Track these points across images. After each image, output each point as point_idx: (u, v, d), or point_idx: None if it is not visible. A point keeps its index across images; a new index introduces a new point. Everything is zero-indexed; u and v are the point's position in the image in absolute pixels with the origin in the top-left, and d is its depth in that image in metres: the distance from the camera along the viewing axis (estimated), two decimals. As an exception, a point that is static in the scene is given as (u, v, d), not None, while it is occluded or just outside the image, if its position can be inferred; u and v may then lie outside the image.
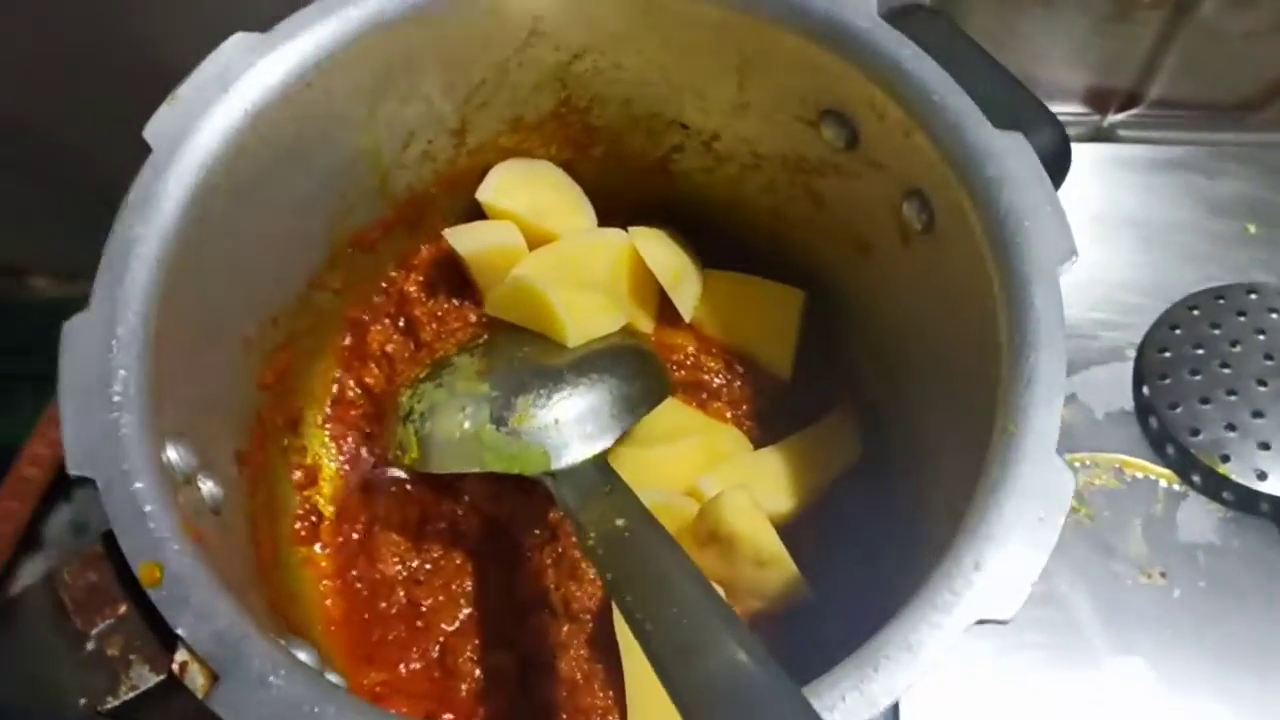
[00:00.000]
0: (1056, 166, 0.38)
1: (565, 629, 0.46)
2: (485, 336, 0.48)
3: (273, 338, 0.46)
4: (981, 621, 0.31)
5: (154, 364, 0.36)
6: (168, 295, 0.37)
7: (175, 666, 0.32)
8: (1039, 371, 0.33)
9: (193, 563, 0.33)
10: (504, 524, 0.49)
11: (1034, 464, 0.32)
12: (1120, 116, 0.64)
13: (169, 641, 0.33)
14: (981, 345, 0.37)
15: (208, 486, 0.39)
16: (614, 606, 0.44)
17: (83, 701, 0.33)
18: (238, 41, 0.39)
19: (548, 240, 0.50)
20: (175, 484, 0.35)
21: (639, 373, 0.47)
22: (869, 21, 0.39)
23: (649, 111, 0.48)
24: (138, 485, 0.33)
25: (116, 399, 0.34)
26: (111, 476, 0.33)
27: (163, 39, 0.59)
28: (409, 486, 0.50)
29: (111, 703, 0.33)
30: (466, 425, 0.44)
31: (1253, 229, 0.62)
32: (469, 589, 0.48)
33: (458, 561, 0.49)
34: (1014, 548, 0.31)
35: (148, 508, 0.33)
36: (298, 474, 0.50)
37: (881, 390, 0.48)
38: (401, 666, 0.47)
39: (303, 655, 0.33)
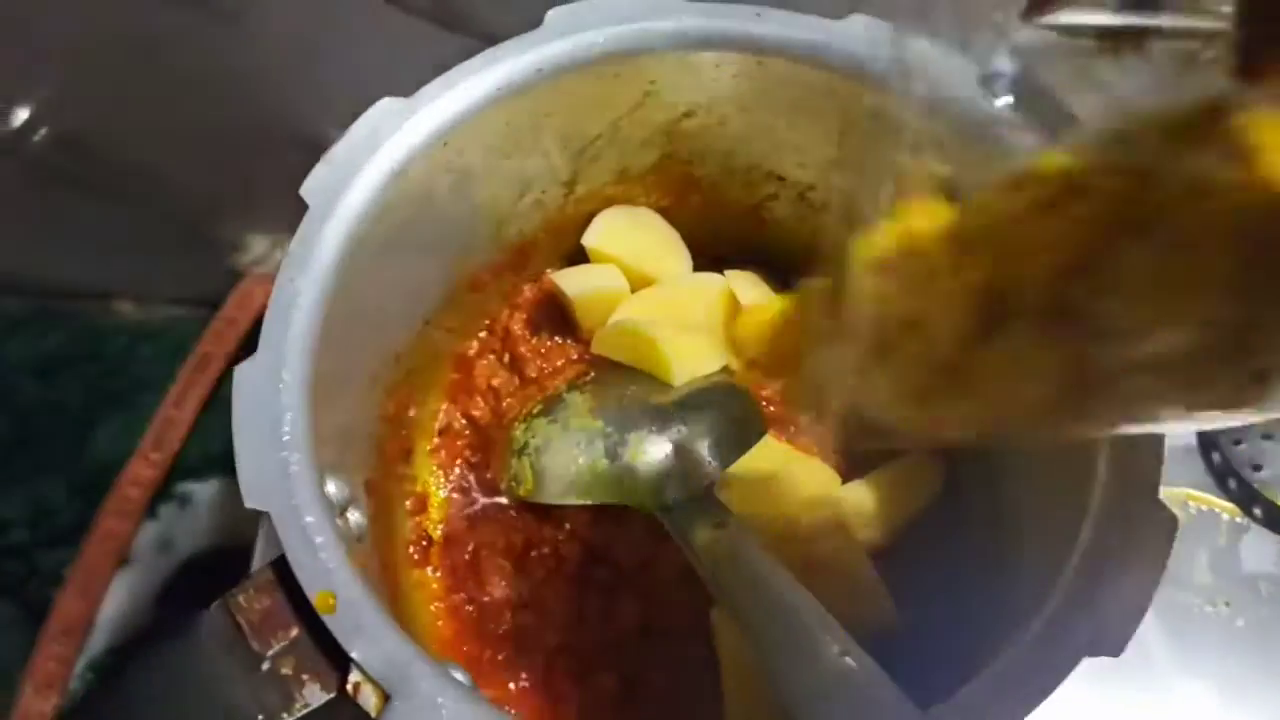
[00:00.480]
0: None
1: (663, 649, 0.48)
2: (592, 374, 0.51)
3: (394, 374, 0.49)
4: (1092, 657, 0.33)
5: (314, 403, 0.39)
6: (323, 340, 0.40)
7: (349, 687, 0.35)
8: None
9: (361, 590, 0.36)
10: (602, 550, 0.52)
11: (1139, 503, 0.35)
12: None
13: (337, 662, 0.36)
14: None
15: (355, 517, 0.42)
16: (713, 627, 0.47)
17: (260, 718, 0.36)
18: (385, 106, 0.43)
19: (647, 283, 0.53)
20: (334, 516, 0.38)
21: (739, 409, 0.50)
22: (973, 91, 0.42)
23: (748, 164, 0.51)
24: (308, 519, 0.36)
25: (286, 438, 0.37)
26: (284, 510, 0.36)
27: (264, 89, 0.62)
28: (513, 513, 0.53)
29: (286, 719, 0.36)
30: (581, 460, 0.47)
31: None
32: (570, 611, 0.51)
33: (559, 585, 0.51)
34: (1122, 585, 0.34)
35: (318, 539, 0.36)
36: (409, 501, 0.53)
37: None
38: (510, 685, 0.50)
39: (458, 676, 0.36)
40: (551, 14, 0.44)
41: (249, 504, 0.36)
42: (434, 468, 0.55)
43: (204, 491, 0.66)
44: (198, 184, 0.67)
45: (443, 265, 0.49)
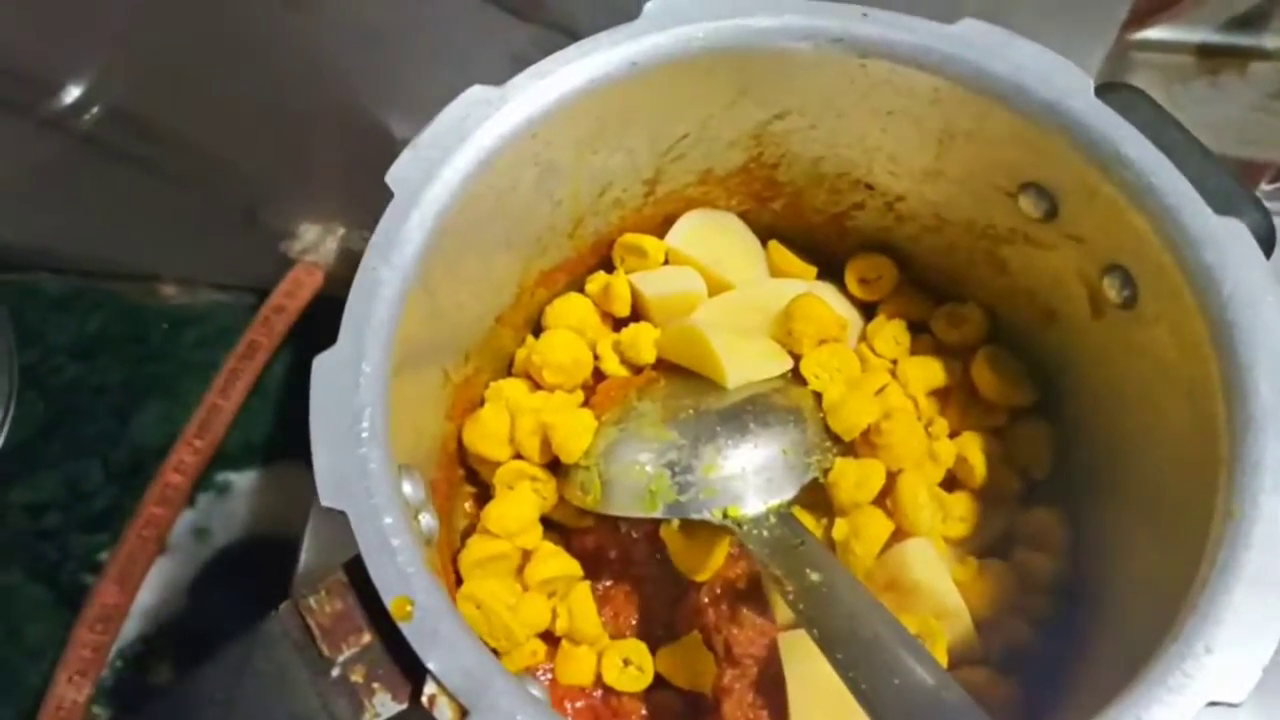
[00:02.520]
0: (1264, 250, 0.39)
1: (728, 674, 0.47)
2: (663, 382, 0.50)
3: (463, 371, 0.48)
4: (1212, 704, 0.32)
5: (392, 400, 0.37)
6: (403, 332, 0.38)
7: (425, 699, 0.33)
8: (1267, 457, 0.34)
9: (440, 597, 0.34)
10: (667, 559, 0.50)
11: (1262, 550, 0.33)
12: (1269, 187, 0.65)
13: (409, 671, 0.34)
14: (1188, 423, 0.38)
15: (426, 519, 0.40)
16: (782, 655, 0.45)
17: (329, 725, 0.34)
18: (475, 93, 0.41)
19: (725, 288, 0.51)
20: (411, 518, 0.37)
21: (814, 420, 0.48)
22: (1087, 102, 0.40)
23: (836, 171, 0.49)
24: (387, 520, 0.35)
25: (364, 434, 0.36)
26: (362, 510, 0.35)
27: (327, 72, 0.61)
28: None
29: (355, 728, 0.34)
30: (649, 469, 0.46)
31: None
32: (634, 623, 0.49)
33: (626, 592, 0.50)
34: (1243, 632, 0.32)
35: (395, 542, 0.35)
36: (468, 503, 0.51)
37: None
38: (566, 704, 0.48)
39: (534, 691, 0.35)
40: (650, 6, 0.43)
41: (325, 503, 0.35)
42: (497, 469, 0.53)
43: (243, 481, 0.66)
44: (252, 167, 0.65)
45: (519, 261, 0.47)
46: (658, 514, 0.45)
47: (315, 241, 0.70)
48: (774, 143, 0.48)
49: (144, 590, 0.61)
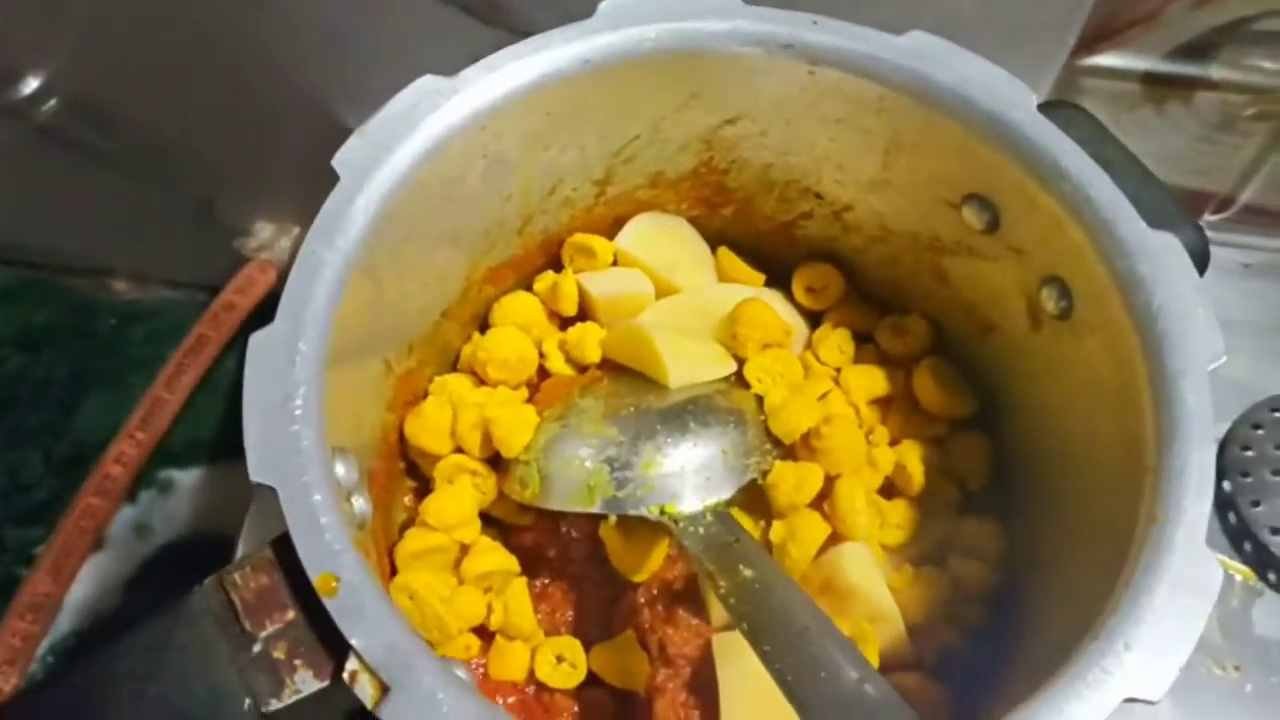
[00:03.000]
0: (1197, 266, 0.39)
1: (662, 673, 0.47)
2: (606, 381, 0.50)
3: (406, 363, 0.47)
4: (1130, 700, 0.32)
5: (328, 380, 0.37)
6: (342, 316, 0.38)
7: (346, 675, 0.33)
8: (1191, 463, 0.35)
9: (365, 575, 0.34)
10: (606, 558, 0.50)
11: (1184, 553, 0.34)
12: (1212, 218, 0.67)
13: (332, 650, 0.34)
14: (1119, 432, 0.38)
15: (359, 504, 0.40)
16: (715, 656, 0.45)
17: (248, 702, 0.34)
18: (426, 83, 0.41)
19: (673, 292, 0.51)
20: (341, 498, 0.36)
21: (754, 423, 0.48)
22: (1029, 115, 0.41)
23: (786, 179, 0.50)
24: (316, 497, 0.35)
25: (298, 412, 0.36)
26: (292, 487, 0.35)
27: (288, 70, 0.61)
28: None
29: (274, 705, 0.34)
30: (589, 465, 0.46)
31: (1335, 332, 0.64)
32: (570, 620, 0.49)
33: (563, 590, 0.50)
34: (1163, 632, 0.33)
35: (324, 519, 0.34)
36: (408, 497, 0.51)
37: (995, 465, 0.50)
38: (499, 699, 0.48)
39: (459, 673, 0.34)
40: (604, 5, 0.43)
41: (254, 478, 0.35)
42: (436, 464, 0.53)
43: (186, 479, 0.65)
44: (209, 163, 0.65)
45: (466, 255, 0.47)
46: (595, 509, 0.45)
47: (270, 240, 0.70)
48: (725, 148, 0.49)
49: (79, 584, 0.60)
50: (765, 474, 0.47)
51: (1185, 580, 0.33)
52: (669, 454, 0.46)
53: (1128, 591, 0.34)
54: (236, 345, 0.67)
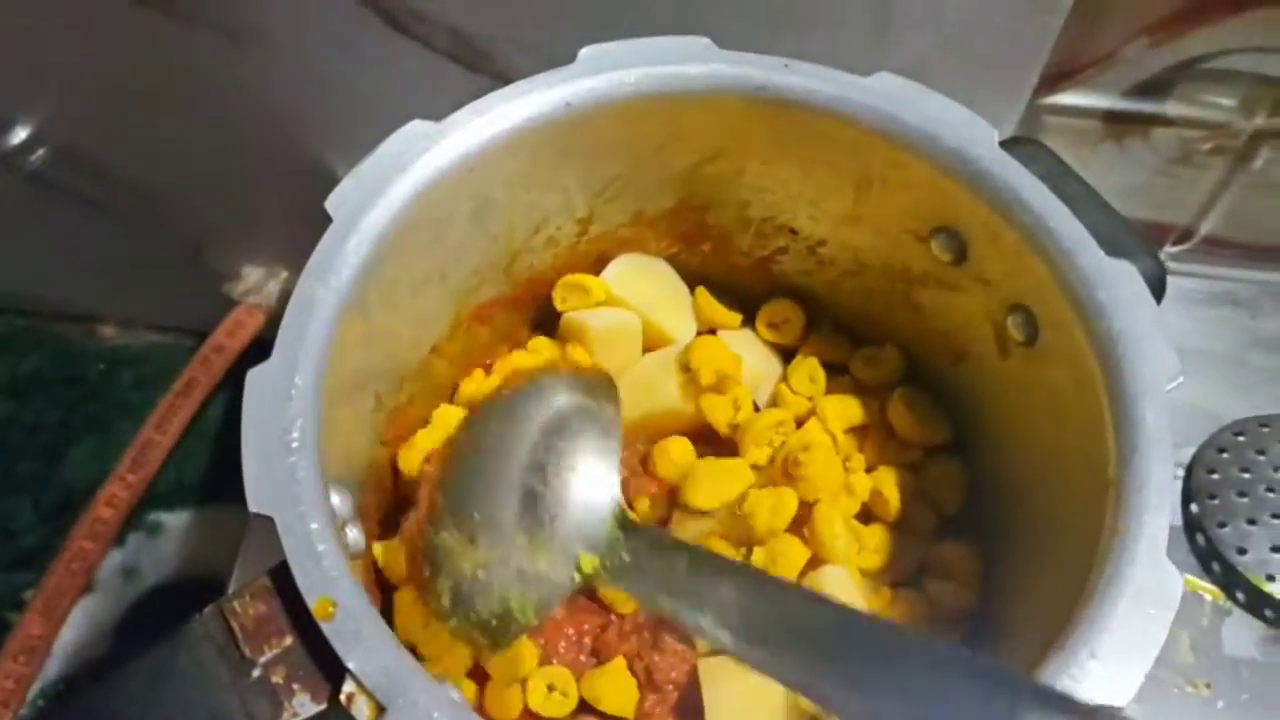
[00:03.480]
0: (1155, 293, 0.41)
1: (649, 699, 0.48)
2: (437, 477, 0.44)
3: (396, 398, 0.49)
4: (1098, 701, 0.33)
5: (323, 414, 0.39)
6: (335, 352, 0.40)
7: (343, 697, 0.34)
8: (1151, 478, 0.37)
9: (362, 601, 0.35)
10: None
11: (1146, 565, 0.35)
12: (1174, 249, 0.69)
13: (329, 673, 0.35)
14: (1083, 452, 0.40)
15: (353, 534, 0.41)
16: (701, 680, 0.46)
17: (246, 725, 0.35)
18: (415, 128, 0.43)
19: (655, 330, 0.53)
20: (337, 528, 0.38)
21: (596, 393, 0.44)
22: (992, 152, 0.43)
23: (763, 216, 0.51)
24: (313, 526, 0.36)
25: (294, 444, 0.37)
26: (289, 516, 0.36)
27: (274, 117, 0.62)
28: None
29: (273, 729, 0.35)
30: (496, 602, 0.40)
31: (1295, 364, 0.67)
32: (560, 649, 0.50)
33: (555, 621, 0.50)
34: (1127, 641, 0.34)
35: (320, 547, 0.35)
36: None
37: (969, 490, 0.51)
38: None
39: (454, 695, 0.35)
40: (585, 51, 0.45)
41: (253, 508, 0.36)
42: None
43: (175, 521, 0.65)
44: (196, 209, 0.66)
45: (454, 293, 0.49)
46: (535, 623, 0.40)
47: (258, 284, 0.71)
48: (703, 187, 0.50)
49: (69, 628, 0.61)
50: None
51: (1147, 590, 0.35)
52: (544, 519, 0.41)
53: (1091, 602, 0.35)
54: (224, 389, 0.68)
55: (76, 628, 0.62)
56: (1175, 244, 0.69)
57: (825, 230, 0.51)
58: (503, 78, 0.47)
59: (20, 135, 0.59)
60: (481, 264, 0.49)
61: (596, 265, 0.53)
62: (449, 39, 0.55)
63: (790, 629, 0.34)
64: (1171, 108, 0.60)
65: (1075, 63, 0.57)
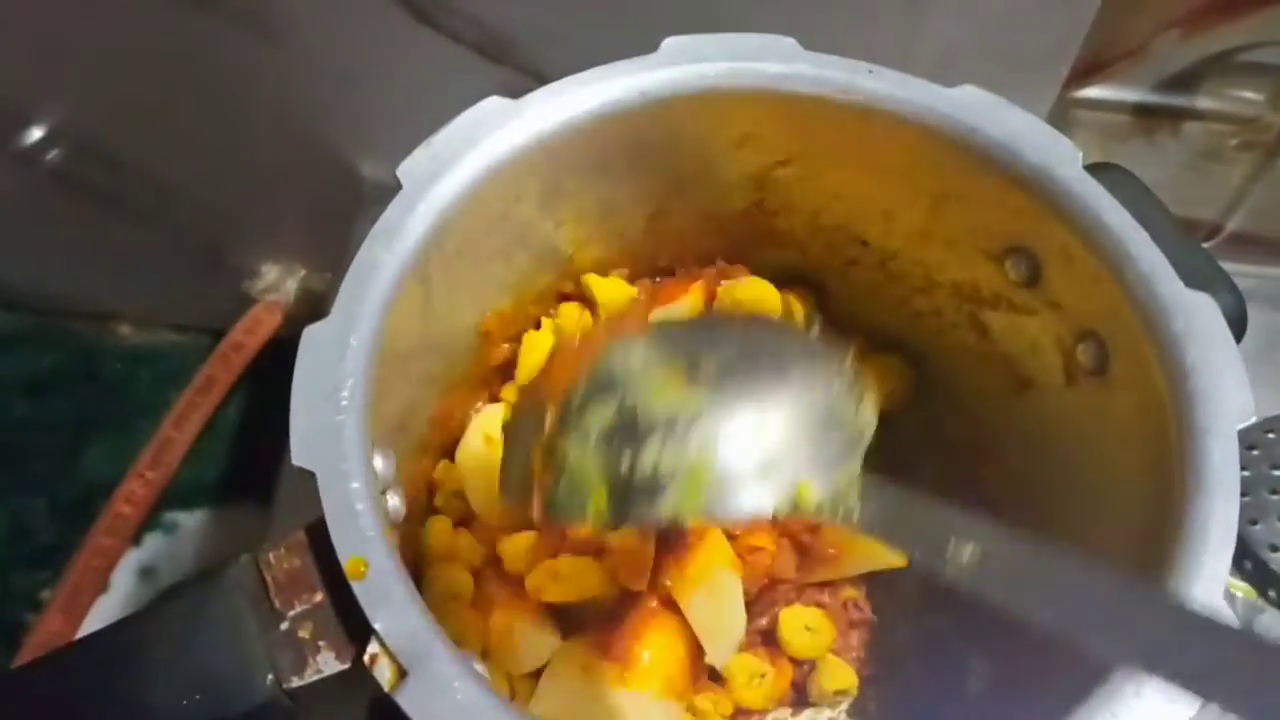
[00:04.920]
0: (1235, 330, 0.40)
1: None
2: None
3: (448, 377, 0.49)
4: (1146, 738, 0.32)
5: (375, 377, 0.39)
6: (394, 319, 0.40)
7: (367, 657, 0.34)
8: (1213, 520, 0.35)
9: (394, 564, 0.35)
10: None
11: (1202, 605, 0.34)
12: (1204, 246, 0.67)
13: (355, 634, 0.35)
14: (1145, 487, 0.39)
15: (394, 501, 0.41)
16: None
17: (270, 678, 0.35)
18: (492, 103, 0.43)
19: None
20: (378, 491, 0.38)
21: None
22: (1074, 172, 0.42)
23: (835, 224, 0.51)
24: (354, 485, 0.36)
25: (344, 402, 0.37)
26: (331, 473, 0.36)
27: (296, 112, 0.62)
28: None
29: (296, 682, 0.35)
30: (680, 451, 0.34)
31: (1322, 360, 0.65)
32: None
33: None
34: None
35: (359, 506, 0.35)
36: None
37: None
38: None
39: (477, 667, 0.35)
40: (668, 42, 0.45)
41: (297, 461, 0.36)
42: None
43: (191, 521, 0.65)
44: (216, 206, 0.65)
45: (516, 276, 0.49)
46: (699, 515, 0.34)
47: (276, 281, 0.70)
48: (776, 190, 0.50)
49: (84, 628, 0.60)
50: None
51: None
52: (780, 410, 0.35)
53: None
54: (240, 389, 0.68)
55: (92, 629, 0.61)
56: (1203, 241, 0.68)
57: (897, 244, 0.50)
58: (526, 71, 0.46)
59: (39, 132, 0.59)
60: (546, 248, 0.49)
61: (660, 264, 0.53)
62: (476, 31, 0.55)
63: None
64: (1201, 101, 0.59)
65: (1105, 55, 0.57)
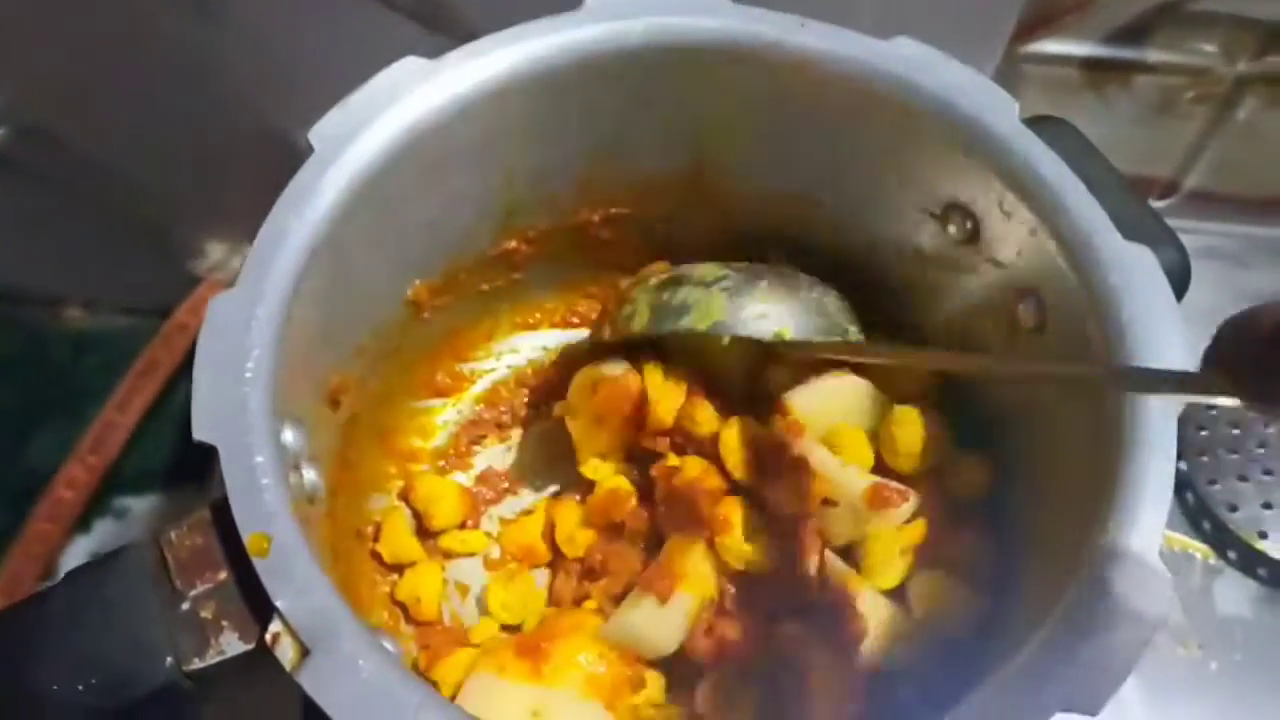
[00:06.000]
0: (1178, 285, 0.39)
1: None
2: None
3: (380, 350, 0.47)
4: (1067, 710, 0.31)
5: (284, 349, 0.37)
6: (305, 288, 0.38)
7: (269, 636, 0.32)
8: (1149, 472, 0.34)
9: (299, 539, 0.34)
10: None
11: (1136, 563, 0.33)
12: (1158, 204, 0.67)
13: (261, 614, 0.34)
14: (1086, 444, 0.37)
15: (310, 476, 0.40)
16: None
17: (169, 660, 0.33)
18: (409, 63, 0.42)
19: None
20: (287, 466, 0.36)
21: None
22: (1010, 124, 0.41)
23: (773, 183, 0.49)
24: (258, 459, 0.34)
25: (249, 374, 0.36)
26: (234, 447, 0.34)
27: (237, 88, 0.60)
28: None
29: (197, 664, 0.34)
30: (701, 292, 0.46)
31: (1285, 319, 0.64)
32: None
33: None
34: (1108, 643, 0.32)
35: (264, 480, 0.34)
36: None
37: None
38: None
39: (387, 645, 0.34)
40: (591, 0, 0.43)
41: (197, 436, 0.35)
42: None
43: (142, 506, 0.63)
44: (159, 185, 0.64)
45: (441, 244, 0.47)
46: (706, 328, 0.46)
47: (223, 259, 0.68)
48: (711, 149, 0.48)
49: None
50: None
51: (1135, 590, 0.32)
52: (781, 294, 0.47)
53: (1075, 598, 0.33)
54: (189, 370, 0.66)
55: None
56: (1160, 198, 0.67)
57: (836, 200, 0.48)
58: (463, 36, 0.45)
59: (-18, 115, 0.57)
60: (474, 216, 0.47)
61: (598, 230, 0.51)
62: (414, -1, 0.53)
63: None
64: (1152, 54, 0.58)
65: (1053, 8, 0.55)
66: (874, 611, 0.42)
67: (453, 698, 0.42)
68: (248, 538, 0.33)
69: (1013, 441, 0.45)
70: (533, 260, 0.52)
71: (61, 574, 0.57)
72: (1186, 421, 0.59)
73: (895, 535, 0.44)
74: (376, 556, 0.49)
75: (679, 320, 0.46)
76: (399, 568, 0.50)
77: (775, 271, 0.48)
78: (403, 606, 0.49)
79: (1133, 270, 0.38)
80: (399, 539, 0.49)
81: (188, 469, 0.64)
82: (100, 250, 0.67)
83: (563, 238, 0.52)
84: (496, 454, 0.54)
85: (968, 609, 0.43)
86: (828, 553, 0.44)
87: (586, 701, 0.42)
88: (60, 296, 0.70)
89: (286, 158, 0.40)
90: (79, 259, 0.68)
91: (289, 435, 0.37)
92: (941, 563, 0.44)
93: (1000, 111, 0.41)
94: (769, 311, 0.46)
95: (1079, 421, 0.38)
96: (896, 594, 0.44)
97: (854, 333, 0.48)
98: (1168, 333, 0.36)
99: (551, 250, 0.52)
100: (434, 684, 0.43)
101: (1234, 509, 0.57)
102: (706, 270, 0.47)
